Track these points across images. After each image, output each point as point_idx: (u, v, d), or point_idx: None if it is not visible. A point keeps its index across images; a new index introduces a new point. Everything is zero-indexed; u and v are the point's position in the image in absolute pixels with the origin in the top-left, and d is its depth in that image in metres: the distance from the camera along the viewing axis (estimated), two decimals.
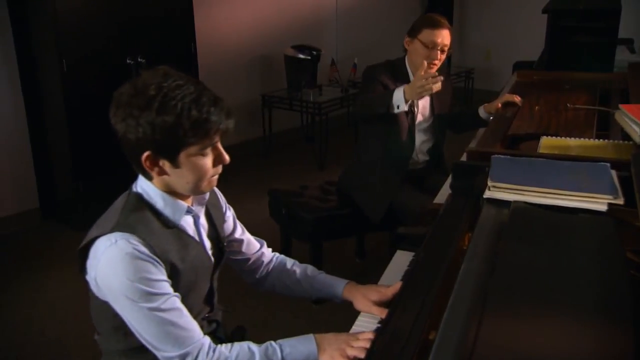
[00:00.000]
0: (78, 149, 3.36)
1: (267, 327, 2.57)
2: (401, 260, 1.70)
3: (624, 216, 1.42)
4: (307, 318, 2.65)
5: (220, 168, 1.30)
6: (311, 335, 1.31)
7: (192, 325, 1.26)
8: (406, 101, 2.31)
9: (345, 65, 5.18)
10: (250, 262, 1.59)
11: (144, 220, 1.25)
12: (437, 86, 2.24)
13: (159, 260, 1.23)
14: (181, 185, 1.27)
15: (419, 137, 2.65)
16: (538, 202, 1.50)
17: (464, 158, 2.01)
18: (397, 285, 1.48)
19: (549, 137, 2.05)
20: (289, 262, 1.61)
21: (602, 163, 1.64)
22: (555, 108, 2.46)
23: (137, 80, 1.22)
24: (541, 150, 1.93)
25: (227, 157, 1.28)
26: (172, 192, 1.30)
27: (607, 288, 1.16)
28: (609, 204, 1.45)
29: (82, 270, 1.29)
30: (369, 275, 1.59)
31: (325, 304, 2.69)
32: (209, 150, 1.24)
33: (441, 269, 1.34)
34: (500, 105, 2.54)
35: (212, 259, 1.42)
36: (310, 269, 1.59)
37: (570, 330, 1.05)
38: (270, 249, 1.64)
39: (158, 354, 1.24)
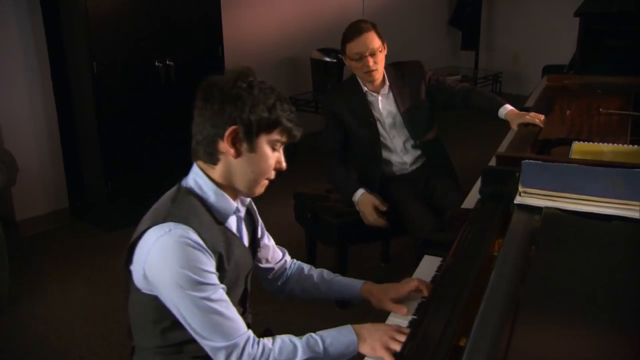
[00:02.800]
0: (108, 149, 3.41)
1: (293, 332, 2.56)
2: (428, 265, 1.69)
3: None
4: (332, 322, 2.63)
5: (274, 174, 1.36)
6: (349, 326, 1.33)
7: (238, 317, 1.28)
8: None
9: None
10: (274, 271, 1.61)
11: (195, 213, 1.28)
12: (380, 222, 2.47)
13: (209, 251, 1.25)
14: (243, 174, 1.31)
15: (399, 138, 2.59)
16: (570, 209, 1.47)
17: (492, 163, 1.99)
18: (412, 283, 1.50)
19: (581, 142, 2.01)
20: (306, 267, 1.63)
21: (637, 169, 1.61)
22: (588, 113, 2.42)
23: (235, 69, 1.31)
24: (573, 156, 1.90)
25: (285, 164, 1.36)
26: (225, 187, 1.33)
27: None
28: None
29: (128, 261, 1.30)
30: (394, 279, 1.58)
31: (349, 308, 2.71)
32: (278, 147, 1.33)
33: (471, 275, 1.32)
34: (517, 126, 2.33)
35: (252, 259, 1.46)
36: (326, 272, 1.61)
37: (605, 340, 1.02)
38: (289, 257, 1.66)
39: (205, 343, 1.25)
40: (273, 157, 1.32)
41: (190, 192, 1.31)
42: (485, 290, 1.20)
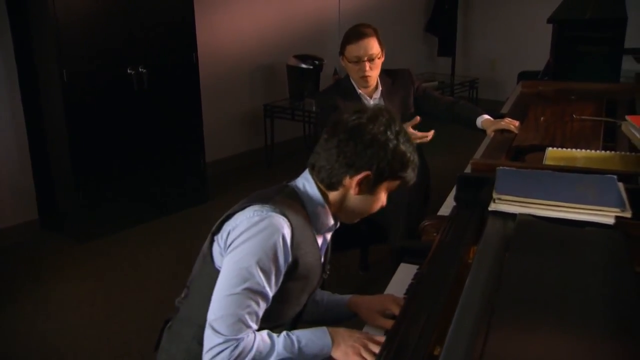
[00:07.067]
0: (79, 158, 3.34)
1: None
2: (405, 273, 1.68)
3: (631, 229, 1.39)
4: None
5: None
6: (325, 329, 1.34)
7: (254, 327, 1.27)
8: None
9: None
10: (311, 299, 1.58)
11: (295, 210, 1.31)
12: None
13: (290, 255, 1.27)
14: (354, 208, 1.37)
15: None
16: (544, 215, 1.47)
17: (468, 170, 1.98)
18: (387, 304, 1.47)
19: (555, 148, 2.02)
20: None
21: (609, 175, 1.62)
22: (561, 119, 2.44)
23: (377, 111, 1.34)
24: (547, 162, 1.90)
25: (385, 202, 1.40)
26: (331, 204, 1.37)
27: (615, 302, 1.13)
28: (616, 217, 1.42)
29: (217, 230, 1.33)
30: (372, 287, 1.58)
31: None
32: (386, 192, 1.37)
33: (446, 283, 1.31)
34: (493, 132, 2.35)
35: (320, 279, 1.46)
36: (318, 294, 1.59)
37: (578, 345, 1.02)
38: None
39: (209, 327, 1.23)
40: (384, 198, 1.37)
41: (296, 193, 1.36)
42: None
